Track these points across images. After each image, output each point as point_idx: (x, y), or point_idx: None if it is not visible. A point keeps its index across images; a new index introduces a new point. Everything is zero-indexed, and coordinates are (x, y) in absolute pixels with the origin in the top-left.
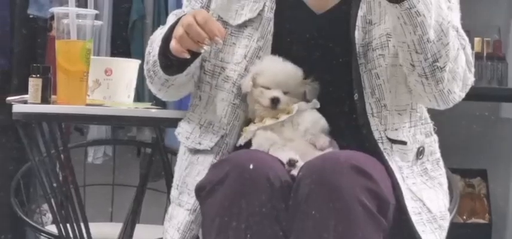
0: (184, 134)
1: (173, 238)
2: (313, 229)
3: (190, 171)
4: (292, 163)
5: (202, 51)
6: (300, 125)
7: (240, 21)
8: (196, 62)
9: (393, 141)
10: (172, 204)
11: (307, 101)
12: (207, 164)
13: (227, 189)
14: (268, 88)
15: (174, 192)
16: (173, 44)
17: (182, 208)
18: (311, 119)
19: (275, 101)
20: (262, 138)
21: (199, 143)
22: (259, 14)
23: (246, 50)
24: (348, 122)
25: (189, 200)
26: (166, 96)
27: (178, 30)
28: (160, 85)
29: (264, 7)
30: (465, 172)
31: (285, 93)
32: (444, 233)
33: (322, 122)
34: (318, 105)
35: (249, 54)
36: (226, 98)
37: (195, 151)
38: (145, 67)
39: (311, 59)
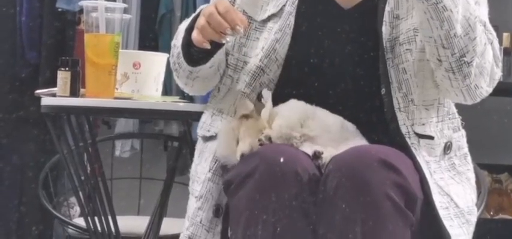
0: (200, 123)
1: (185, 226)
2: (342, 223)
3: (200, 159)
4: (317, 155)
5: (224, 42)
6: (274, 124)
7: (264, 16)
8: (221, 53)
9: (420, 136)
10: (189, 195)
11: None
12: (214, 151)
13: (256, 183)
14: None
15: (190, 182)
16: (195, 34)
17: (192, 195)
18: (278, 120)
19: (242, 155)
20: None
21: (208, 131)
22: (281, 9)
23: (264, 42)
24: (377, 117)
25: (197, 188)
26: (193, 91)
27: (200, 21)
28: (186, 78)
29: (286, 1)
30: (493, 167)
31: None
32: (472, 228)
33: (293, 116)
34: (267, 96)
35: (266, 46)
36: (239, 86)
37: (206, 139)
38: (171, 60)
39: (342, 54)
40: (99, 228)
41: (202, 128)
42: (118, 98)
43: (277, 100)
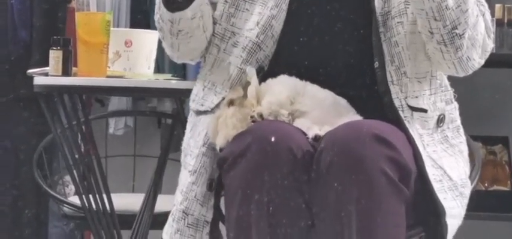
0: (191, 96)
1: (177, 200)
2: (336, 200)
3: (193, 133)
4: (317, 139)
5: None
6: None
7: None
8: (203, 1)
9: (414, 109)
10: (181, 168)
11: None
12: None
13: (249, 161)
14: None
15: (182, 155)
16: None
17: (185, 169)
18: (268, 97)
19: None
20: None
21: (202, 105)
22: None
23: (259, 17)
24: (367, 93)
25: (191, 162)
26: (180, 55)
27: None
28: (169, 35)
29: None
30: (487, 139)
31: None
32: (465, 201)
33: (280, 95)
34: (253, 72)
35: (262, 21)
36: (234, 62)
37: (198, 112)
38: (155, 18)
39: (333, 31)
40: (94, 206)
41: (194, 102)
42: (110, 76)
43: (269, 77)
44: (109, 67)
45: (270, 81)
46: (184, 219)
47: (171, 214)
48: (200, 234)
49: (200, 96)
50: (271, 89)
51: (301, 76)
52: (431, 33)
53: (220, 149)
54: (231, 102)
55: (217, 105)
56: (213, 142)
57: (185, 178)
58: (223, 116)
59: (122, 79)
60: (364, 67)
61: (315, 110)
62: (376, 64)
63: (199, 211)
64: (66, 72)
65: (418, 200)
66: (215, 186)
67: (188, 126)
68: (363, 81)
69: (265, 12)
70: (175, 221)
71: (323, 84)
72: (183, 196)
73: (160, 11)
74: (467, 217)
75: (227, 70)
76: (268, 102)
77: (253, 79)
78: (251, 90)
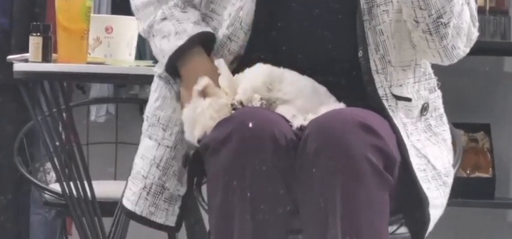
0: (159, 64)
1: (151, 173)
2: (321, 187)
3: (162, 104)
4: (301, 129)
5: None
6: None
7: None
8: None
9: (398, 97)
10: (142, 136)
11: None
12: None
13: (231, 148)
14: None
15: (144, 123)
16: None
17: (156, 142)
18: (243, 84)
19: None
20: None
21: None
22: None
23: (231, 8)
24: (351, 80)
25: (168, 137)
26: None
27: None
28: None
29: None
30: (468, 126)
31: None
32: (448, 190)
33: (256, 78)
34: (221, 62)
35: (233, 13)
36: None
37: (167, 82)
38: (142, 29)
39: (311, 17)
40: (75, 193)
41: (162, 69)
42: (91, 63)
43: (246, 66)
44: (89, 54)
45: (246, 70)
46: (162, 193)
47: (140, 186)
48: (173, 208)
49: None
50: (246, 77)
51: (280, 62)
52: (417, 22)
53: (199, 141)
54: (203, 94)
55: None
56: (190, 136)
57: (156, 151)
58: (199, 108)
59: (103, 65)
60: (346, 55)
61: (298, 98)
62: (360, 53)
63: (175, 185)
64: (46, 58)
65: (401, 189)
66: (189, 162)
67: (153, 95)
68: (345, 69)
69: (236, 3)
70: (152, 194)
71: (302, 71)
72: (161, 171)
73: (160, 56)
74: (449, 203)
75: None
76: (243, 89)
77: (223, 70)
78: (222, 81)
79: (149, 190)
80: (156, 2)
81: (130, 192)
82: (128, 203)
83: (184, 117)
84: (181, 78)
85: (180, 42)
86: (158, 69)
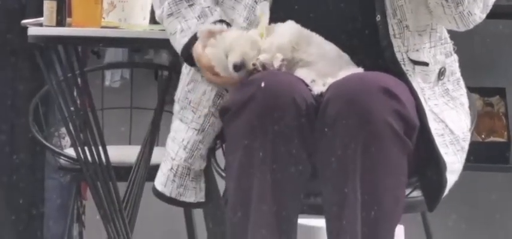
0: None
1: (179, 155)
2: (340, 150)
3: (194, 88)
4: (322, 95)
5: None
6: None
7: None
8: None
9: (415, 62)
10: (173, 117)
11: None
12: (214, 86)
13: (252, 111)
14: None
15: (175, 105)
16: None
17: (186, 124)
18: (271, 38)
19: (236, 68)
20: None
21: None
22: None
23: None
24: (370, 45)
25: (196, 120)
26: None
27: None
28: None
29: None
30: (483, 90)
31: (227, 55)
32: (464, 155)
33: (288, 36)
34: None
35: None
36: (237, 20)
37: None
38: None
39: None
40: (89, 158)
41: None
42: (105, 27)
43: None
44: (104, 18)
45: (277, 24)
46: (188, 174)
47: (168, 167)
48: (199, 184)
49: None
50: (276, 31)
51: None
52: None
53: (235, 67)
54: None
55: None
56: (222, 67)
57: (189, 135)
58: (231, 37)
59: (117, 30)
60: (364, 20)
61: (320, 62)
62: (378, 18)
63: (200, 166)
64: (60, 23)
65: (419, 153)
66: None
67: (185, 78)
68: (363, 34)
69: None
70: (178, 176)
71: (322, 35)
72: (187, 153)
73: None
74: (465, 167)
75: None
76: (269, 42)
77: (263, 18)
78: (260, 27)
79: (176, 172)
80: None
81: (161, 173)
82: (158, 184)
83: (211, 54)
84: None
85: (185, 39)
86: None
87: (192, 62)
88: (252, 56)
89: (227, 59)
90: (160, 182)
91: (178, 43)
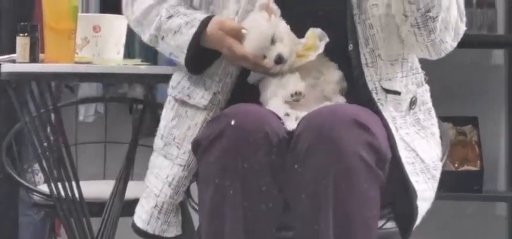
0: (171, 83)
1: (163, 192)
2: (313, 184)
3: (178, 123)
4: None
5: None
6: (329, 79)
7: None
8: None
9: (388, 91)
10: (155, 153)
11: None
12: (199, 120)
13: (223, 146)
14: (264, 57)
15: (158, 141)
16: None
17: (170, 161)
18: (339, 77)
19: (279, 60)
20: (279, 104)
21: (188, 96)
22: None
23: (237, 6)
24: (344, 74)
25: (181, 156)
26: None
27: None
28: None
29: None
30: (457, 119)
31: (272, 42)
32: (436, 184)
33: (344, 83)
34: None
35: (240, 11)
36: (219, 53)
37: (183, 102)
38: (148, 36)
39: (302, 11)
40: (63, 194)
41: (176, 89)
42: (78, 62)
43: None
44: (77, 53)
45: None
46: (173, 211)
47: (152, 204)
48: (178, 217)
49: (185, 86)
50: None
51: None
52: (406, 16)
53: (280, 58)
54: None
55: (211, 102)
56: (256, 50)
57: (174, 171)
58: (283, 27)
59: (90, 65)
60: (336, 49)
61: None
62: (351, 47)
63: (181, 199)
64: (33, 59)
65: (389, 181)
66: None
67: (169, 113)
68: (335, 63)
69: (242, 4)
70: (163, 213)
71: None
72: (173, 190)
73: (175, 52)
74: (437, 197)
75: (214, 63)
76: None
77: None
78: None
79: (161, 209)
80: (157, 4)
81: (143, 210)
82: (140, 222)
83: (255, 27)
84: (216, 47)
85: (194, 29)
86: (173, 91)
87: (195, 64)
88: (292, 60)
89: (273, 44)
90: (143, 220)
91: (185, 36)
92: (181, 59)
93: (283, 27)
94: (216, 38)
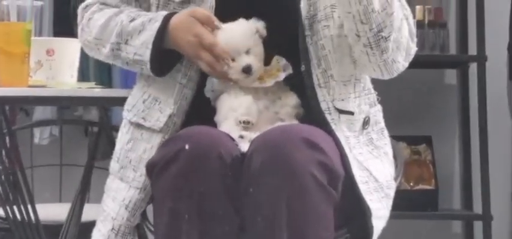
0: (127, 106)
1: (120, 214)
2: (267, 203)
3: (134, 146)
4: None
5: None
6: (286, 102)
7: None
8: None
9: (341, 111)
10: (111, 176)
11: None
12: (155, 143)
13: (176, 169)
14: (232, 59)
15: (114, 164)
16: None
17: (126, 183)
18: (296, 102)
19: (248, 70)
20: (232, 126)
21: (143, 119)
22: None
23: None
24: (298, 95)
25: (138, 178)
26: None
27: (205, 57)
28: (110, 58)
29: None
30: (411, 139)
31: (247, 52)
32: (390, 202)
33: (301, 110)
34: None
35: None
36: (173, 76)
37: (138, 126)
38: (84, 39)
39: None
40: (18, 217)
41: (131, 112)
42: (32, 86)
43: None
44: (31, 77)
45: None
46: (130, 233)
47: (108, 228)
48: (136, 237)
49: (140, 109)
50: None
51: None
52: (358, 36)
53: (247, 68)
54: None
55: (166, 124)
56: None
57: (131, 194)
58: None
59: (44, 88)
60: (292, 70)
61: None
62: (303, 67)
63: (138, 221)
64: None
65: (344, 201)
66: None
67: (124, 136)
68: (288, 84)
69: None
70: (120, 235)
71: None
72: (129, 212)
73: (133, 61)
74: (393, 216)
75: (167, 85)
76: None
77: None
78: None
79: (117, 231)
80: (114, 15)
81: (99, 233)
82: None
83: (230, 31)
84: (179, 45)
85: (157, 24)
86: (129, 114)
87: (158, 61)
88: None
89: (246, 54)
90: None
91: (149, 32)
92: (146, 56)
93: (260, 49)
94: (184, 26)
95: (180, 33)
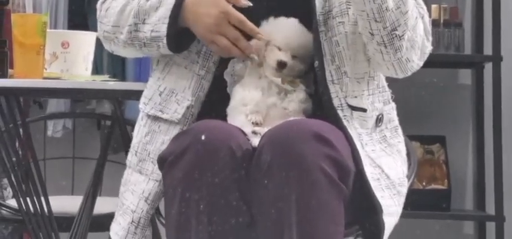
0: (143, 99)
1: (140, 207)
2: (276, 198)
3: (152, 139)
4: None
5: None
6: (292, 97)
7: None
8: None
9: (353, 108)
10: (130, 169)
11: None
12: (173, 135)
13: (188, 161)
14: (279, 49)
15: (132, 158)
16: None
17: (146, 176)
18: (303, 97)
19: (281, 65)
20: (244, 121)
21: (161, 111)
22: None
23: None
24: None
25: (157, 171)
26: (125, 55)
27: (221, 41)
28: (130, 46)
29: None
30: (424, 138)
31: (294, 57)
32: (402, 199)
33: (309, 104)
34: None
35: None
36: (190, 67)
37: (156, 118)
38: (103, 29)
39: None
40: (31, 209)
41: (148, 106)
42: (47, 78)
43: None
44: (46, 69)
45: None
46: (149, 225)
47: (128, 220)
48: (150, 230)
49: (157, 101)
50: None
51: None
52: (372, 34)
53: (281, 63)
54: None
55: (184, 115)
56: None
57: (150, 186)
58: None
59: (58, 80)
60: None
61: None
62: (316, 64)
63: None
64: (2, 74)
65: (356, 198)
66: None
67: (142, 130)
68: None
69: None
70: (140, 228)
71: None
72: (149, 205)
73: (149, 42)
74: (405, 215)
75: (184, 76)
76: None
77: None
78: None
79: (138, 224)
80: (127, 3)
81: (119, 226)
82: (116, 238)
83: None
84: (197, 20)
85: None
86: (146, 108)
87: (175, 36)
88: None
89: (287, 50)
90: (120, 236)
91: (167, 6)
92: (162, 31)
93: (304, 59)
94: (206, 0)
95: (201, 8)
